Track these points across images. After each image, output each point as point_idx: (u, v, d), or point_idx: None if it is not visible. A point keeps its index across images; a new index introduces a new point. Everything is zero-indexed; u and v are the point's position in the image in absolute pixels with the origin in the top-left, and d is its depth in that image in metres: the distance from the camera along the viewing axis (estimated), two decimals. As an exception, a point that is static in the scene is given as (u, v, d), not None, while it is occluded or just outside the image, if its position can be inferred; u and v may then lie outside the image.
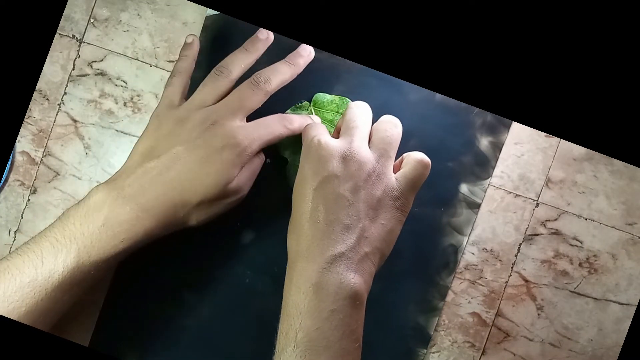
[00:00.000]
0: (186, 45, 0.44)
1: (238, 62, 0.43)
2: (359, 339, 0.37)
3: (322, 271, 0.37)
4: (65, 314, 0.39)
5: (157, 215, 0.39)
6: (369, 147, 0.41)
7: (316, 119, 0.45)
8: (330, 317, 0.36)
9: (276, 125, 0.43)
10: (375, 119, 0.43)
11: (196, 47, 0.44)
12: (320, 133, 0.41)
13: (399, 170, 0.41)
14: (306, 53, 0.44)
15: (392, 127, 0.41)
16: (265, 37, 0.44)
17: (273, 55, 0.44)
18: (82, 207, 0.39)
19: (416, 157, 0.41)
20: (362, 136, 0.41)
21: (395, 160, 0.42)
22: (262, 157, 0.44)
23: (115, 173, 0.41)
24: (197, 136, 0.40)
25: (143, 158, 0.40)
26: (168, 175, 0.39)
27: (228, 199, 0.42)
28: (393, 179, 0.40)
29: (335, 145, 0.40)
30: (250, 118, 0.42)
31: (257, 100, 0.42)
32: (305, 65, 0.44)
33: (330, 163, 0.39)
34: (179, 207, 0.40)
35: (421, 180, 0.41)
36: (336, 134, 0.44)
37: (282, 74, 0.43)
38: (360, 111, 0.42)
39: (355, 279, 0.37)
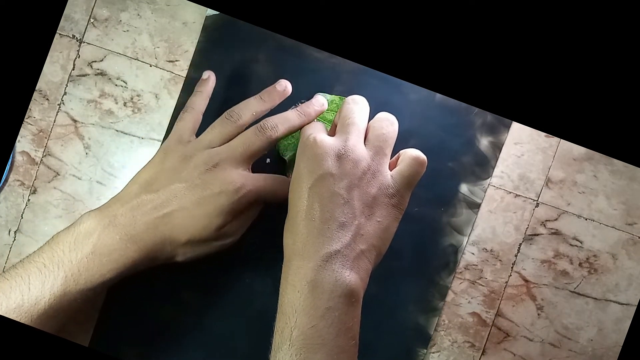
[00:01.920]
0: (202, 82, 0.45)
1: (250, 109, 0.43)
2: (355, 336, 0.37)
3: (317, 269, 0.37)
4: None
5: (145, 248, 0.40)
6: (365, 144, 0.41)
7: None
8: (325, 315, 0.36)
9: (277, 185, 0.43)
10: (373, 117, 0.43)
11: (212, 83, 0.45)
12: (316, 131, 0.41)
13: (394, 167, 0.41)
14: (319, 104, 0.44)
15: (388, 124, 0.41)
16: (284, 88, 0.44)
17: (272, 55, 0.44)
18: (72, 232, 0.39)
19: (412, 154, 0.41)
20: (357, 133, 0.41)
21: (391, 158, 0.42)
22: (260, 206, 0.44)
23: (110, 200, 0.41)
24: (197, 176, 0.41)
25: (141, 189, 0.41)
26: (162, 210, 0.40)
27: (218, 242, 0.42)
28: (388, 176, 0.40)
29: (331, 143, 0.40)
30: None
31: (261, 146, 0.42)
32: (316, 116, 0.44)
33: (325, 161, 0.39)
34: (166, 243, 0.40)
35: (417, 177, 0.41)
36: (333, 129, 0.44)
37: (291, 122, 0.43)
38: (356, 107, 0.42)
39: (351, 276, 0.37)
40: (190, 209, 0.40)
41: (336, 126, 0.43)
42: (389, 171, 0.41)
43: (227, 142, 0.42)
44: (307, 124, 0.44)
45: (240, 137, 0.42)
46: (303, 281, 0.37)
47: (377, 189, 0.39)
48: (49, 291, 0.37)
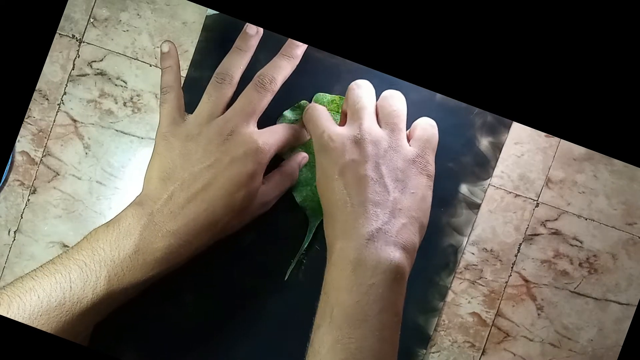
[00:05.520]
0: (165, 55, 0.43)
1: (236, 64, 0.42)
2: (399, 312, 0.37)
3: (360, 248, 0.37)
4: (86, 331, 0.39)
5: (190, 241, 0.39)
6: (379, 124, 0.41)
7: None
8: (369, 292, 0.36)
9: (287, 132, 0.43)
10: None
11: (175, 53, 0.43)
12: (327, 127, 0.41)
13: (411, 139, 0.42)
14: (299, 43, 0.44)
15: (396, 100, 0.42)
16: (255, 31, 0.43)
17: (272, 55, 0.44)
18: (112, 230, 0.38)
19: (422, 120, 0.42)
20: (369, 116, 0.41)
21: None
22: (295, 174, 0.44)
23: (140, 196, 0.40)
24: (216, 149, 0.40)
25: (164, 182, 0.39)
26: (197, 197, 0.39)
27: (259, 209, 0.42)
28: (409, 147, 0.41)
29: (345, 133, 0.40)
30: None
31: (266, 102, 0.42)
32: (302, 55, 0.44)
33: (345, 151, 0.39)
34: (212, 227, 0.40)
35: (433, 139, 0.42)
36: (343, 117, 0.44)
37: (283, 69, 0.43)
38: (361, 91, 0.42)
39: (395, 252, 0.37)
40: (224, 186, 0.39)
41: (346, 115, 0.43)
42: (407, 143, 0.41)
43: (228, 105, 0.42)
44: (296, 65, 0.43)
45: (243, 99, 0.42)
46: (346, 260, 0.37)
47: (402, 161, 0.40)
48: (91, 291, 0.37)
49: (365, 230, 0.37)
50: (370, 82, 0.47)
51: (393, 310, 0.37)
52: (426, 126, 0.42)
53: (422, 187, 0.40)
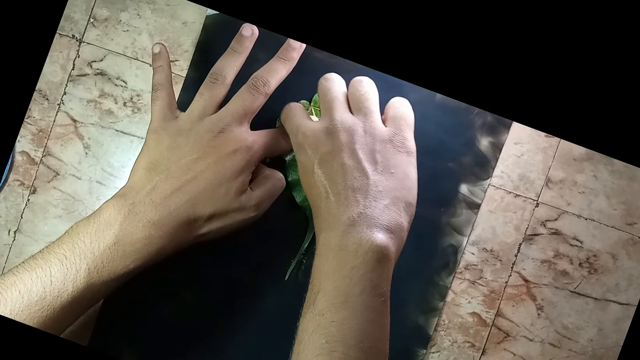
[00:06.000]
0: (156, 56, 0.43)
1: (230, 65, 0.42)
2: (384, 294, 0.37)
3: (342, 235, 0.37)
4: (70, 326, 0.39)
5: (171, 233, 0.39)
6: (352, 112, 0.41)
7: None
8: (349, 274, 0.36)
9: (279, 138, 0.43)
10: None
11: (166, 54, 0.44)
12: (300, 124, 0.41)
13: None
14: (297, 45, 0.44)
15: (362, 85, 0.42)
16: (250, 33, 0.43)
17: (272, 55, 0.44)
18: (93, 223, 0.38)
19: (393, 100, 0.43)
20: (340, 106, 0.41)
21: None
22: (283, 180, 0.44)
23: (123, 188, 0.40)
24: (206, 144, 0.40)
25: (150, 173, 0.40)
26: (180, 188, 0.39)
27: (243, 213, 0.41)
28: (384, 128, 0.41)
29: (318, 127, 0.40)
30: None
31: (258, 104, 0.42)
32: (298, 58, 0.44)
33: (319, 144, 0.40)
34: (191, 221, 0.39)
35: (408, 116, 0.42)
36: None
37: (278, 72, 0.43)
38: (329, 83, 0.42)
39: (378, 233, 0.37)
40: (208, 179, 0.39)
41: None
42: (383, 124, 0.41)
43: (220, 106, 0.42)
44: (292, 68, 0.43)
45: (236, 100, 0.42)
46: (328, 248, 0.37)
47: (378, 142, 0.40)
48: (71, 284, 0.36)
49: (346, 217, 0.37)
50: (370, 82, 0.47)
51: (376, 291, 0.36)
52: (398, 105, 0.42)
53: (402, 165, 0.40)
